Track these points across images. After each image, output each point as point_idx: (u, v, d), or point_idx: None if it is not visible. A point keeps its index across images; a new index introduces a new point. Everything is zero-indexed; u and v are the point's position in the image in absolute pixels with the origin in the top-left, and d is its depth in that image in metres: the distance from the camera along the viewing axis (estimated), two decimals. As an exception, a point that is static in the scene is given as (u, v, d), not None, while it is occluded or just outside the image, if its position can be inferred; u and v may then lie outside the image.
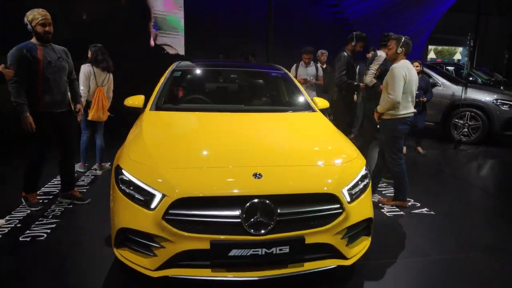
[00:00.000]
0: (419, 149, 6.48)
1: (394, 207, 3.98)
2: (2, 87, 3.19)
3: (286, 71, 4.31)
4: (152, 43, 9.54)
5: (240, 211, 2.06)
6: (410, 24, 14.81)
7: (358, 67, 6.15)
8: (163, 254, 2.10)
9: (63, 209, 3.69)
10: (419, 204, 4.07)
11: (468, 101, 7.21)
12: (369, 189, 2.54)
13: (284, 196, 2.16)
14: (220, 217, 2.08)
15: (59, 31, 7.64)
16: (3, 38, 4.42)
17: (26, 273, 2.60)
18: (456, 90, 7.39)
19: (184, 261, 2.12)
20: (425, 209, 3.96)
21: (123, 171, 2.32)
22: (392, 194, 4.14)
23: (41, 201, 3.79)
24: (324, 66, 6.87)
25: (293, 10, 12.07)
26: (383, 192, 4.44)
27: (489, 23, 20.40)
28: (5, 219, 3.39)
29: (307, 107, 3.61)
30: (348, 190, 2.33)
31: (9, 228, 3.23)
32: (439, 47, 25.69)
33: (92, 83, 4.61)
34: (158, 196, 2.10)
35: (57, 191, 4.11)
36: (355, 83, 5.31)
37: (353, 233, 2.39)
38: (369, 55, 6.99)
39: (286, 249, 2.10)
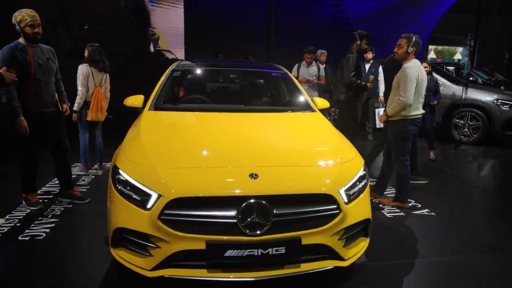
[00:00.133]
0: (431, 154, 6.03)
1: (395, 208, 3.96)
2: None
3: (286, 71, 4.29)
4: (151, 49, 9.54)
5: (236, 211, 2.06)
6: (410, 24, 14.78)
7: None
8: (159, 254, 2.09)
9: (62, 208, 3.69)
10: (419, 205, 4.06)
11: (469, 101, 7.20)
12: (367, 189, 2.52)
13: (280, 197, 2.16)
14: (216, 217, 2.08)
15: (59, 30, 7.67)
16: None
17: (24, 272, 2.60)
18: (457, 90, 7.37)
19: (180, 261, 2.11)
20: (426, 210, 3.95)
21: (119, 171, 2.32)
22: (393, 195, 4.11)
23: (41, 200, 3.80)
24: (323, 66, 6.86)
25: (293, 10, 12.06)
26: (384, 193, 4.41)
27: (489, 23, 20.37)
28: (5, 218, 3.40)
29: (307, 107, 3.60)
30: (346, 190, 2.31)
31: (8, 227, 3.24)
32: (439, 47, 25.67)
33: (90, 83, 4.59)
34: (154, 196, 2.10)
35: (57, 190, 4.11)
36: (363, 83, 5.34)
37: (351, 234, 2.38)
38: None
39: (282, 250, 2.09)
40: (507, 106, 7.10)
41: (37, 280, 2.52)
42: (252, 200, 2.07)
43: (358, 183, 2.45)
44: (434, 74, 7.60)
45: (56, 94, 3.71)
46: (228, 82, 4.61)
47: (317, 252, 2.24)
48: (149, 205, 2.09)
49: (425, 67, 5.42)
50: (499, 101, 7.15)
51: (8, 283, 2.49)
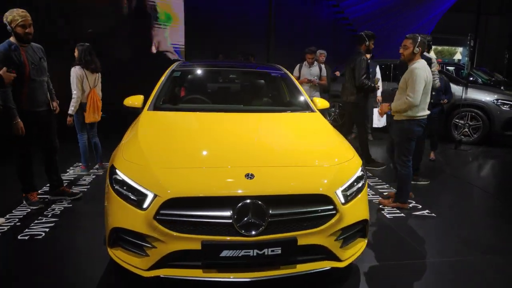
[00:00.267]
0: (431, 154, 6.06)
1: (395, 208, 3.94)
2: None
3: (286, 71, 4.28)
4: (153, 50, 9.54)
5: (231, 211, 2.05)
6: (410, 24, 14.76)
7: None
8: (155, 254, 2.10)
9: (62, 208, 3.71)
10: (420, 206, 4.04)
11: (469, 101, 7.19)
12: (364, 190, 2.51)
13: (276, 197, 2.15)
14: (211, 217, 2.08)
15: (60, 30, 7.66)
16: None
17: (22, 272, 2.61)
18: (457, 90, 7.35)
19: (176, 261, 2.12)
20: (426, 211, 3.93)
21: (116, 170, 2.32)
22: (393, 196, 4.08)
23: (41, 200, 3.81)
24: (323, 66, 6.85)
25: (293, 10, 12.06)
26: (385, 193, 4.41)
27: (489, 23, 20.33)
28: (5, 217, 3.41)
29: (306, 108, 3.59)
30: (343, 191, 2.31)
31: (8, 227, 3.25)
32: (439, 47, 25.63)
33: (85, 85, 4.55)
34: (150, 196, 2.10)
35: (57, 190, 4.14)
36: (372, 85, 5.38)
37: (348, 234, 2.37)
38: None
39: (278, 251, 2.09)
40: (507, 106, 7.08)
41: (36, 280, 2.52)
42: (248, 201, 2.07)
43: (355, 183, 2.44)
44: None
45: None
46: (228, 82, 4.61)
47: (314, 253, 2.24)
48: (145, 205, 2.10)
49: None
50: (499, 101, 7.14)
51: (7, 283, 2.49)
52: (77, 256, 2.87)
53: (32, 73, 3.43)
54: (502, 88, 8.56)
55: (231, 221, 2.05)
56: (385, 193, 4.40)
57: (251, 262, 2.12)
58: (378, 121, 6.26)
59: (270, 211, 2.08)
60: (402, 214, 3.82)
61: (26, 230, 3.20)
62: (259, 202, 2.07)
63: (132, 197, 2.17)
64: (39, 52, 3.57)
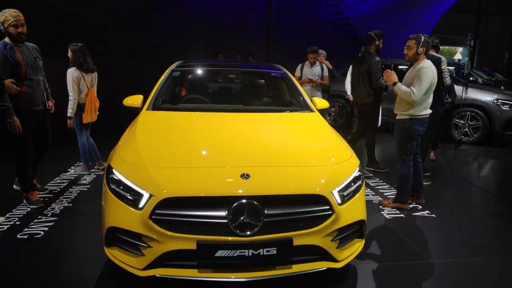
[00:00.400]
0: (432, 154, 6.01)
1: (395, 209, 3.92)
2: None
3: (286, 71, 4.27)
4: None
5: (227, 211, 2.05)
6: (410, 24, 14.75)
7: (350, 67, 6.10)
8: (151, 254, 2.10)
9: (62, 207, 3.72)
10: (420, 207, 4.02)
11: (469, 101, 7.18)
12: (362, 190, 2.50)
13: (272, 197, 2.15)
14: (207, 217, 2.07)
15: (60, 30, 7.67)
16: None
17: (21, 270, 2.61)
18: (457, 90, 7.32)
19: (171, 261, 2.12)
20: (426, 211, 3.91)
21: (113, 170, 2.33)
22: (394, 196, 4.05)
23: (41, 199, 3.82)
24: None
25: (294, 10, 12.06)
26: (385, 194, 4.40)
27: (489, 23, 20.32)
28: (5, 216, 3.43)
29: (305, 107, 3.59)
30: (339, 191, 2.30)
31: (8, 226, 3.26)
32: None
33: (82, 86, 4.53)
34: (146, 196, 2.10)
35: (59, 189, 4.18)
36: (386, 84, 5.37)
37: (344, 235, 2.36)
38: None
39: (273, 251, 2.08)
40: (507, 106, 7.07)
41: (34, 279, 2.53)
42: (243, 201, 2.06)
43: (352, 184, 2.43)
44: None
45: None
46: (228, 82, 4.60)
47: (309, 253, 2.23)
48: (141, 205, 2.10)
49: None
50: (499, 101, 7.12)
51: (5, 282, 2.50)
52: (76, 255, 2.87)
53: (28, 72, 3.46)
54: (502, 88, 8.55)
55: (226, 221, 2.05)
56: (385, 194, 4.40)
57: (247, 262, 2.11)
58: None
59: (266, 211, 2.08)
60: (402, 215, 3.80)
61: (26, 229, 3.21)
62: (255, 202, 2.07)
63: (128, 197, 2.17)
64: (34, 52, 3.60)
